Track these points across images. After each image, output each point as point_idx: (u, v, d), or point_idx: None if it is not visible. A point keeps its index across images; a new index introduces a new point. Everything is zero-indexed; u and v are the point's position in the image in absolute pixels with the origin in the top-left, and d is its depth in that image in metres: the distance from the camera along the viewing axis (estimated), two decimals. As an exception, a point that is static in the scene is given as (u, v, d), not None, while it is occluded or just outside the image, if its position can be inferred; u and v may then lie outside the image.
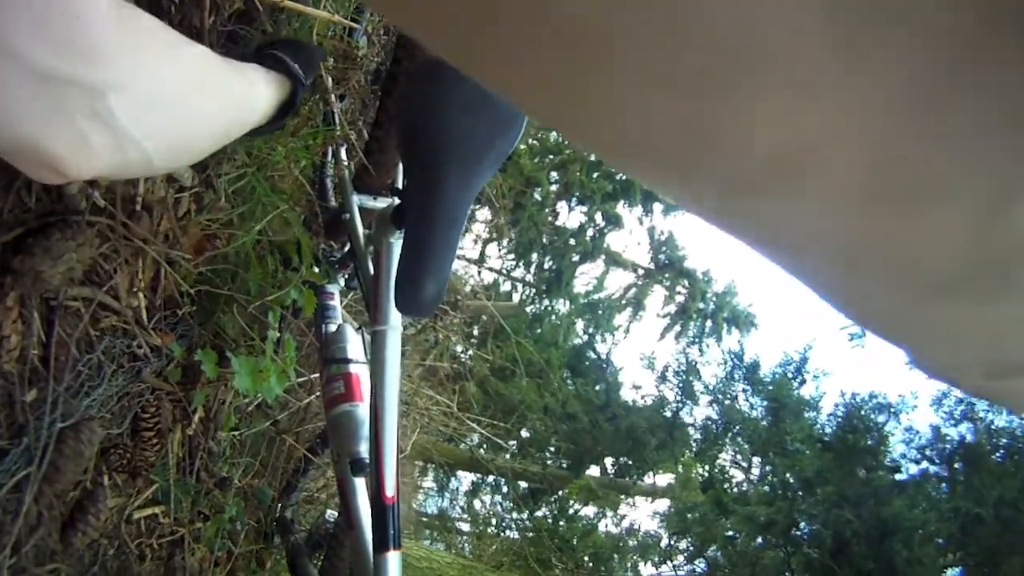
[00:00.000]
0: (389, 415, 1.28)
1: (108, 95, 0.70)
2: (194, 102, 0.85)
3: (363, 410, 1.46)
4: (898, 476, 6.28)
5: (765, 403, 7.17)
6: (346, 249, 1.72)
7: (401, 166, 1.55)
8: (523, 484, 8.04)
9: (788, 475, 6.47)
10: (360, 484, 1.41)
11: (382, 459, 1.26)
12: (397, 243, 1.29)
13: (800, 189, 0.29)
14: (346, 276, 1.80)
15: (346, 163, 1.72)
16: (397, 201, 1.29)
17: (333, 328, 1.65)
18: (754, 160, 0.28)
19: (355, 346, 1.58)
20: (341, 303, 1.84)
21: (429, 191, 1.05)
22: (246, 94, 1.05)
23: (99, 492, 1.54)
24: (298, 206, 1.78)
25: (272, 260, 1.70)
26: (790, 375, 7.37)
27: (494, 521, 8.41)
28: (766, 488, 6.78)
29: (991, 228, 0.29)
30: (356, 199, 1.57)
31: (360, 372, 1.53)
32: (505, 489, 8.37)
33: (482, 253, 8.02)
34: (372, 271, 1.38)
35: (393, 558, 1.25)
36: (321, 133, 1.66)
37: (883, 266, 0.33)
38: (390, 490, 1.26)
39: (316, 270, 1.74)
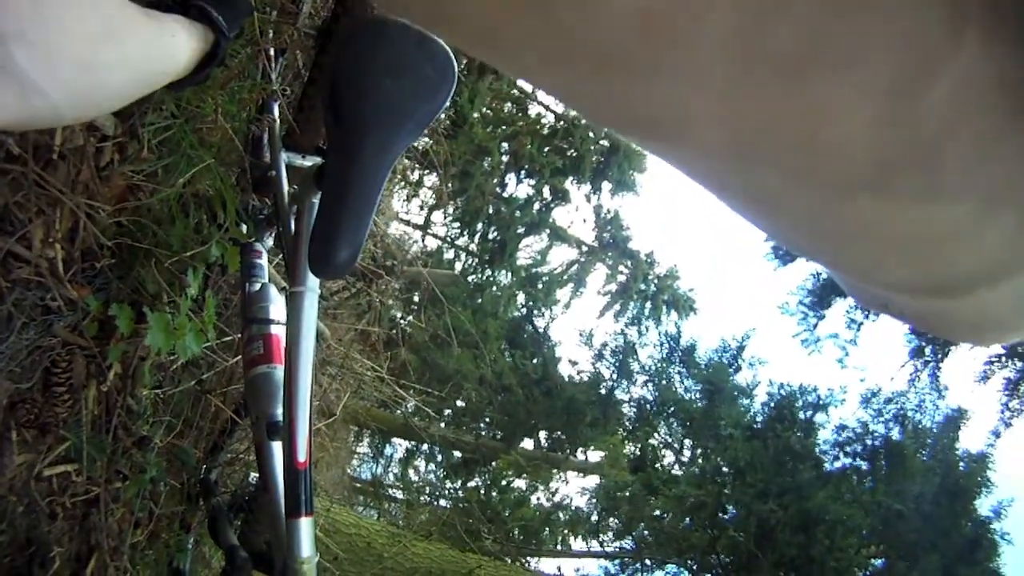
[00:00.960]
0: (303, 379, 1.26)
1: (10, 43, 0.68)
2: (104, 52, 0.82)
3: (282, 372, 1.43)
4: (824, 469, 6.43)
5: (699, 387, 7.28)
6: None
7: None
8: (456, 454, 8.08)
9: (719, 460, 6.59)
10: (277, 447, 1.39)
11: (295, 424, 1.24)
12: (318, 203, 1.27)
13: (671, 60, 0.27)
14: (274, 235, 1.76)
15: (277, 119, 1.68)
16: (322, 161, 1.27)
17: (257, 287, 1.62)
18: (620, 24, 0.26)
19: (278, 307, 1.55)
20: (271, 263, 1.81)
21: (347, 154, 1.03)
22: (164, 45, 1.01)
23: (5, 446, 1.49)
24: (227, 160, 1.74)
25: (197, 215, 1.66)
26: (726, 361, 7.49)
27: (427, 490, 8.45)
28: (695, 471, 6.90)
29: (903, 110, 0.27)
30: (284, 156, 1.54)
31: (281, 334, 1.50)
32: (439, 458, 8.41)
33: (427, 219, 7.99)
34: (293, 230, 1.35)
35: (305, 524, 1.23)
36: (255, 87, 1.62)
37: (780, 156, 0.30)
38: (302, 455, 1.24)
39: (243, 227, 1.70)
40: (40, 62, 0.71)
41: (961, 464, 6.40)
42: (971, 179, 0.30)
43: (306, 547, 1.23)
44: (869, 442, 6.63)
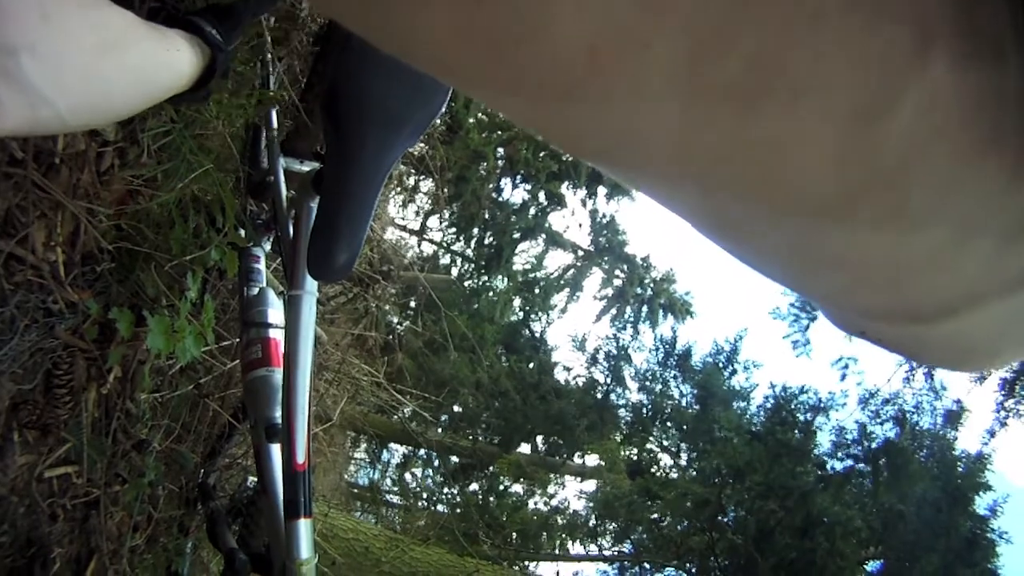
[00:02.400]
0: (301, 382, 1.27)
1: (20, 54, 0.70)
2: (109, 65, 0.84)
3: (280, 376, 1.45)
4: (823, 470, 6.42)
5: (695, 391, 7.26)
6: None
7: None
8: (454, 459, 8.06)
9: (716, 463, 6.57)
10: (275, 450, 1.40)
11: (294, 426, 1.26)
12: (316, 208, 1.28)
13: (620, 92, 0.27)
14: (272, 239, 1.77)
15: (276, 125, 1.69)
16: (320, 166, 1.28)
17: (255, 291, 1.63)
18: (569, 58, 0.26)
19: (276, 311, 1.57)
20: (268, 267, 1.82)
21: (346, 158, 1.05)
22: (168, 58, 1.03)
23: (7, 447, 1.50)
24: (226, 166, 1.75)
25: (196, 219, 1.68)
26: (721, 364, 7.48)
27: (424, 495, 8.43)
28: (693, 474, 6.89)
29: (866, 136, 0.26)
30: (283, 162, 1.55)
31: (279, 337, 1.52)
32: (436, 463, 8.39)
33: (423, 225, 7.99)
34: (292, 235, 1.37)
35: (304, 526, 1.25)
36: (256, 94, 1.63)
37: (740, 185, 0.30)
38: (301, 457, 1.25)
39: (241, 232, 1.71)
40: (47, 73, 0.73)
41: (959, 464, 6.39)
42: (942, 205, 0.29)
43: (305, 548, 1.24)
44: (867, 443, 6.62)
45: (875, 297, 0.36)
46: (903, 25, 0.25)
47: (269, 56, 1.74)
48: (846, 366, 7.22)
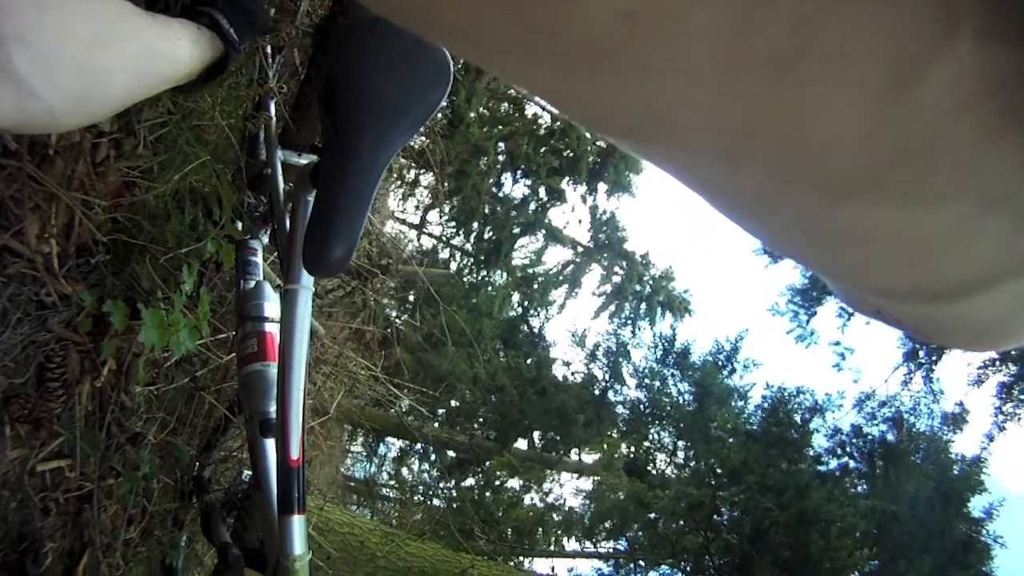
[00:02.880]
0: (296, 376, 1.26)
1: (9, 44, 0.68)
2: (104, 58, 0.82)
3: (276, 370, 1.44)
4: (819, 470, 6.44)
5: (693, 389, 7.28)
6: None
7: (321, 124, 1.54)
8: (450, 454, 8.07)
9: (712, 461, 6.59)
10: (270, 445, 1.39)
11: (288, 421, 1.25)
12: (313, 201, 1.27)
13: (655, 60, 0.26)
14: (269, 232, 1.76)
15: (274, 117, 1.68)
16: (318, 159, 1.27)
17: (251, 285, 1.62)
18: (602, 26, 0.25)
19: (272, 304, 1.56)
20: (265, 260, 1.81)
21: (343, 152, 1.04)
22: (165, 49, 1.01)
23: (-2, 441, 1.50)
24: (224, 158, 1.74)
25: (192, 211, 1.67)
26: (720, 363, 7.50)
27: (420, 489, 8.44)
28: (689, 472, 6.90)
29: (894, 108, 0.27)
30: (280, 154, 1.54)
31: (275, 331, 1.50)
32: (432, 458, 8.41)
33: (423, 219, 8.00)
34: (288, 228, 1.36)
35: (297, 522, 1.24)
36: (252, 85, 1.62)
37: (769, 156, 0.29)
38: (295, 452, 1.24)
39: (238, 224, 1.70)
40: (39, 66, 0.71)
41: (955, 467, 6.41)
42: (964, 181, 0.29)
43: (298, 545, 1.23)
44: (863, 444, 6.64)
45: (893, 275, 0.35)
46: (931, 1, 0.25)
47: (268, 48, 1.73)
48: (842, 355, 7.24)
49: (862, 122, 0.27)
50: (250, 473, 2.00)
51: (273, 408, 1.41)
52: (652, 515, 6.69)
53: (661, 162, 0.34)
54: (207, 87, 1.17)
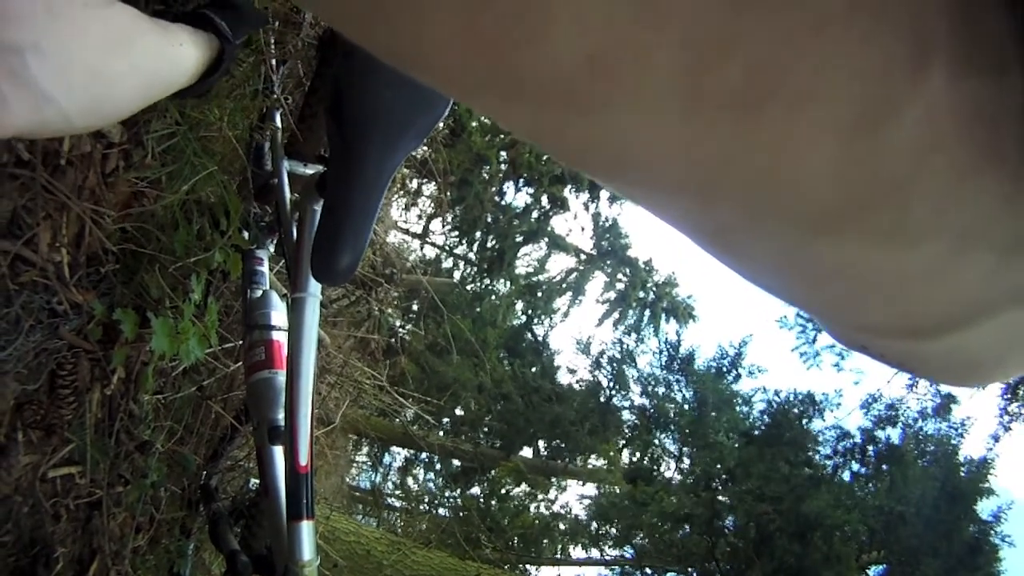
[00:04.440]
0: (305, 384, 1.28)
1: (25, 53, 0.70)
2: (115, 63, 0.84)
3: (283, 378, 1.45)
4: (823, 474, 6.42)
5: (698, 395, 7.26)
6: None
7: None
8: (456, 462, 8.06)
9: (717, 467, 6.57)
10: (278, 452, 1.41)
11: (297, 428, 1.26)
12: (320, 211, 1.29)
13: (620, 100, 0.26)
14: (275, 242, 1.78)
15: (279, 128, 1.70)
16: (324, 169, 1.29)
17: (258, 294, 1.64)
18: (569, 67, 0.25)
19: (279, 313, 1.57)
20: (271, 269, 1.82)
21: (349, 162, 1.06)
22: (172, 54, 1.03)
23: (11, 447, 1.51)
24: (232, 169, 1.76)
25: (200, 221, 1.68)
26: (724, 369, 7.48)
27: (426, 498, 8.43)
28: (693, 478, 6.88)
29: (866, 146, 0.26)
30: (286, 164, 1.56)
31: (282, 339, 1.52)
32: (438, 467, 8.39)
33: (426, 228, 8.00)
34: (295, 238, 1.38)
35: (306, 527, 1.25)
36: (258, 96, 1.64)
37: (740, 194, 0.29)
38: (304, 459, 1.26)
39: (245, 234, 1.72)
40: (53, 72, 0.73)
41: (962, 469, 6.39)
42: (943, 217, 0.29)
43: (307, 550, 1.25)
44: (869, 447, 6.62)
45: (875, 312, 0.35)
46: (902, 37, 0.25)
47: (273, 60, 1.75)
48: (841, 355, 7.22)
49: (832, 161, 0.27)
50: (256, 481, 2.01)
51: (281, 415, 1.42)
52: (657, 521, 6.68)
53: (640, 200, 0.34)
54: (206, 88, 1.19)
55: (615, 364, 8.08)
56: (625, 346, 8.28)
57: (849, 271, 0.32)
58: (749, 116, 0.26)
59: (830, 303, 0.37)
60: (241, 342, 1.79)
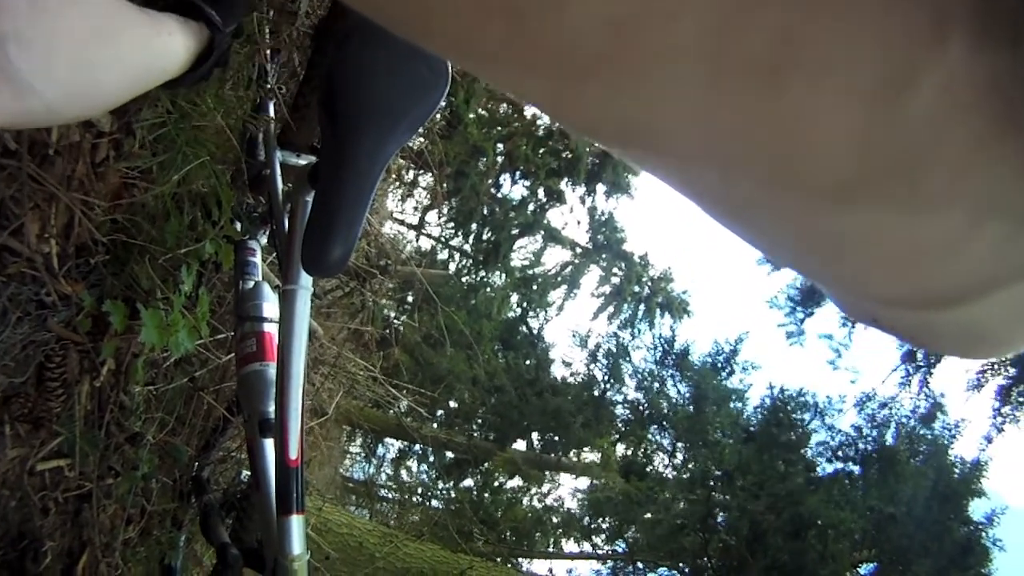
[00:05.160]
0: (295, 377, 1.27)
1: (6, 43, 0.69)
2: (99, 53, 0.83)
3: (274, 370, 1.44)
4: (817, 472, 6.45)
5: (692, 390, 7.29)
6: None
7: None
8: (449, 454, 8.07)
9: (711, 463, 6.60)
10: (268, 445, 1.40)
11: (287, 421, 1.25)
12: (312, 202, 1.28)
13: (643, 67, 0.26)
14: (268, 232, 1.77)
15: (273, 118, 1.69)
16: (316, 160, 1.28)
17: (250, 285, 1.63)
18: (591, 33, 0.25)
19: (271, 304, 1.56)
20: (264, 260, 1.81)
21: (342, 153, 1.05)
22: (159, 43, 1.02)
23: (-2, 440, 1.50)
24: (225, 159, 1.74)
25: (191, 212, 1.67)
26: (719, 365, 7.51)
27: (419, 490, 8.44)
28: (687, 474, 6.91)
29: (886, 115, 0.26)
30: (279, 155, 1.54)
31: (274, 331, 1.51)
32: (431, 459, 8.41)
33: (421, 219, 8.00)
34: (287, 228, 1.36)
35: (296, 522, 1.24)
36: (251, 85, 1.63)
37: (759, 163, 0.29)
38: (293, 452, 1.25)
39: (237, 225, 1.70)
40: (36, 62, 0.72)
41: (955, 470, 6.42)
42: (958, 187, 0.29)
43: (297, 544, 1.24)
44: (862, 446, 6.65)
45: (889, 282, 0.35)
46: (922, 6, 0.25)
47: (267, 50, 1.74)
48: (837, 351, 7.25)
49: (853, 129, 0.27)
50: (249, 473, 2.00)
51: (272, 408, 1.41)
52: (650, 516, 6.70)
53: (654, 170, 0.34)
54: (197, 76, 1.17)
55: (610, 358, 8.10)
56: (620, 340, 8.31)
57: (865, 241, 0.32)
58: (774, 83, 0.26)
59: (844, 273, 0.37)
60: (232, 333, 1.78)
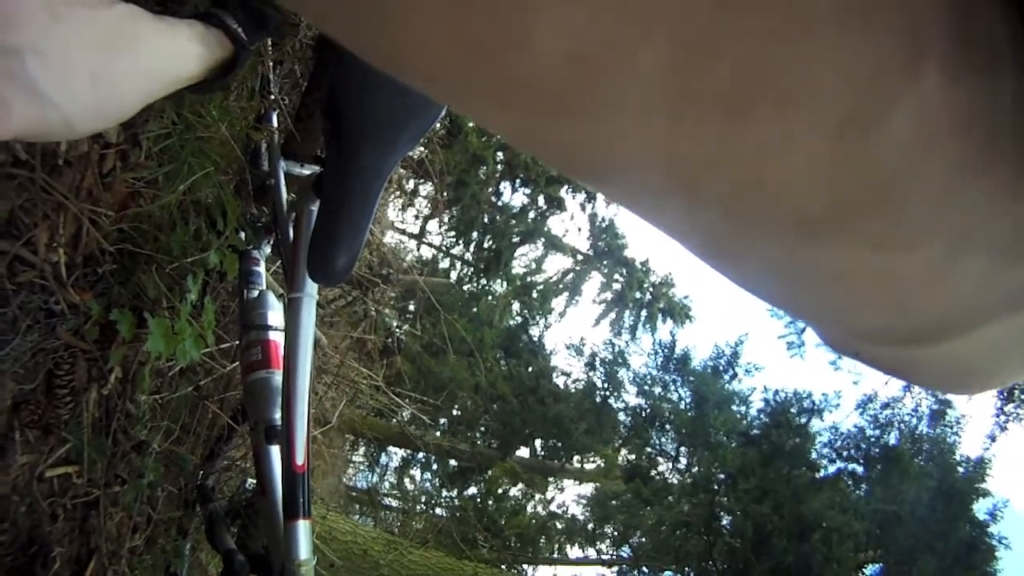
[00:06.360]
0: (301, 383, 1.28)
1: (25, 55, 0.69)
2: (119, 63, 0.84)
3: (280, 377, 1.46)
4: (820, 474, 6.43)
5: (693, 395, 7.27)
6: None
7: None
8: (452, 462, 8.06)
9: (714, 467, 6.58)
10: (275, 452, 1.41)
11: (293, 427, 1.27)
12: (317, 212, 1.29)
13: (604, 102, 0.25)
14: (272, 242, 1.78)
15: (276, 129, 1.70)
16: (320, 170, 1.29)
17: (255, 294, 1.64)
18: (552, 69, 0.25)
19: (276, 313, 1.58)
20: (268, 270, 1.83)
21: (346, 163, 1.06)
22: (177, 52, 1.03)
23: (9, 446, 1.51)
24: (229, 169, 1.76)
25: (196, 222, 1.69)
26: (720, 368, 7.49)
27: (422, 498, 8.43)
28: (691, 478, 6.89)
29: (857, 147, 0.26)
30: (283, 165, 1.56)
31: (279, 339, 1.52)
32: (434, 467, 8.39)
33: (422, 228, 8.00)
34: (292, 238, 1.38)
35: (303, 527, 1.25)
36: (255, 97, 1.64)
37: (728, 197, 0.28)
38: (300, 458, 1.26)
39: (241, 234, 1.72)
40: (54, 74, 0.72)
41: (959, 469, 6.40)
42: (936, 221, 0.28)
43: (304, 549, 1.25)
44: (865, 447, 6.63)
45: (868, 317, 0.34)
46: (895, 34, 0.24)
47: (270, 61, 1.76)
48: (838, 354, 7.24)
49: (821, 163, 0.26)
50: (253, 481, 2.01)
51: (278, 415, 1.43)
52: (654, 521, 6.69)
53: (627, 204, 0.33)
54: (218, 87, 1.19)
55: (608, 365, 8.09)
56: (617, 348, 8.30)
57: (842, 276, 0.31)
58: (737, 117, 0.25)
59: (822, 309, 0.36)
60: (238, 342, 1.79)
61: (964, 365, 0.37)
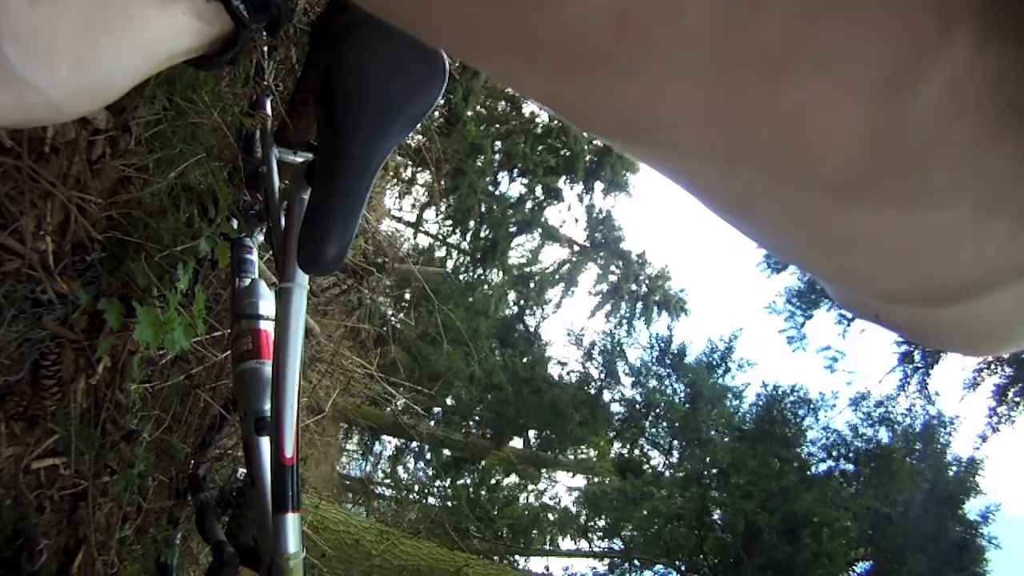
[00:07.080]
0: (291, 374, 1.26)
1: (4, 44, 0.68)
2: (104, 46, 0.82)
3: (270, 368, 1.44)
4: (812, 471, 6.46)
5: (688, 389, 7.29)
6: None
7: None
8: (446, 452, 8.08)
9: (707, 461, 6.60)
10: (264, 443, 1.39)
11: (282, 419, 1.25)
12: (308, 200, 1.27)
13: (647, 60, 0.26)
14: (264, 230, 1.76)
15: (270, 115, 1.68)
16: (313, 157, 1.28)
17: (247, 283, 1.62)
18: (595, 26, 0.25)
19: (268, 302, 1.56)
20: (261, 258, 1.81)
21: (338, 150, 1.05)
22: (167, 27, 1.00)
23: (-7, 438, 1.49)
24: (221, 156, 1.74)
25: (188, 209, 1.66)
26: (714, 363, 7.51)
27: (415, 488, 8.45)
28: (682, 472, 6.92)
29: (891, 111, 0.26)
30: (276, 152, 1.54)
31: (270, 329, 1.51)
32: (428, 456, 8.41)
33: (419, 217, 8.00)
34: (284, 227, 1.36)
35: (291, 520, 1.24)
36: (249, 83, 1.62)
37: (763, 158, 0.29)
38: (289, 451, 1.25)
39: (233, 222, 1.70)
40: (35, 60, 0.71)
41: (951, 469, 6.43)
42: (963, 184, 0.29)
43: (292, 543, 1.23)
44: (858, 445, 6.66)
45: (892, 278, 0.35)
46: (927, 1, 0.24)
47: (264, 46, 1.73)
48: (835, 359, 7.26)
49: (858, 125, 0.26)
50: (245, 471, 2.00)
51: (268, 406, 1.41)
52: (646, 514, 6.70)
53: (656, 163, 0.33)
54: (220, 62, 1.17)
55: (606, 356, 8.11)
56: (616, 338, 8.31)
57: (869, 237, 0.32)
58: (779, 77, 0.26)
59: (847, 270, 0.36)
60: (229, 331, 1.77)
61: (982, 326, 0.38)
